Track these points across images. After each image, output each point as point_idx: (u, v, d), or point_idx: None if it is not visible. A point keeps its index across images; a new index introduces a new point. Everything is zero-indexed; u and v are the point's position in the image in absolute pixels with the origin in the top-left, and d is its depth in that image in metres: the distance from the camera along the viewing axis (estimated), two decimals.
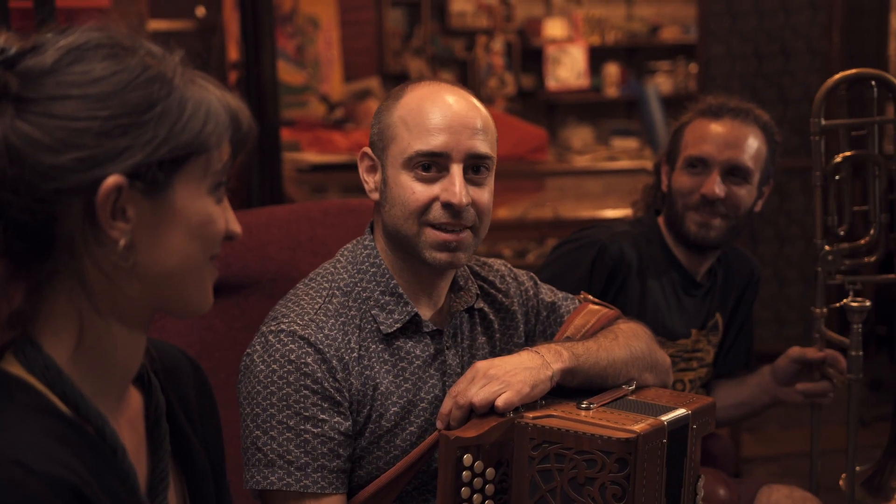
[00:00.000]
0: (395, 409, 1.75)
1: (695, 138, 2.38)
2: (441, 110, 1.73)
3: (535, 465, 1.61)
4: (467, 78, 8.60)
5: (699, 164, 2.36)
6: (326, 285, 1.79)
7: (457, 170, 1.71)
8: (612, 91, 9.02)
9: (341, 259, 1.83)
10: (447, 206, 1.71)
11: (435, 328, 1.80)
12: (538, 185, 5.96)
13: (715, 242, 2.38)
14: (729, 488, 2.38)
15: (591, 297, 2.02)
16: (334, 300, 1.76)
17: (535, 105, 8.92)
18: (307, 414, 1.66)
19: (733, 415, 2.61)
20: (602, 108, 9.03)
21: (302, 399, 1.66)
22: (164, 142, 1.13)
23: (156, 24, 5.58)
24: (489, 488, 1.64)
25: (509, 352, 1.87)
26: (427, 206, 1.72)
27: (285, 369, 1.67)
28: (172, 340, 1.95)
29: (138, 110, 1.12)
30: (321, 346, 1.69)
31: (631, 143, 8.24)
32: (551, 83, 8.89)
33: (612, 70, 9.01)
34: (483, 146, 1.74)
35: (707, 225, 2.35)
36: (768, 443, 4.45)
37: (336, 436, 1.68)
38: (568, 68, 8.88)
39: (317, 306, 1.74)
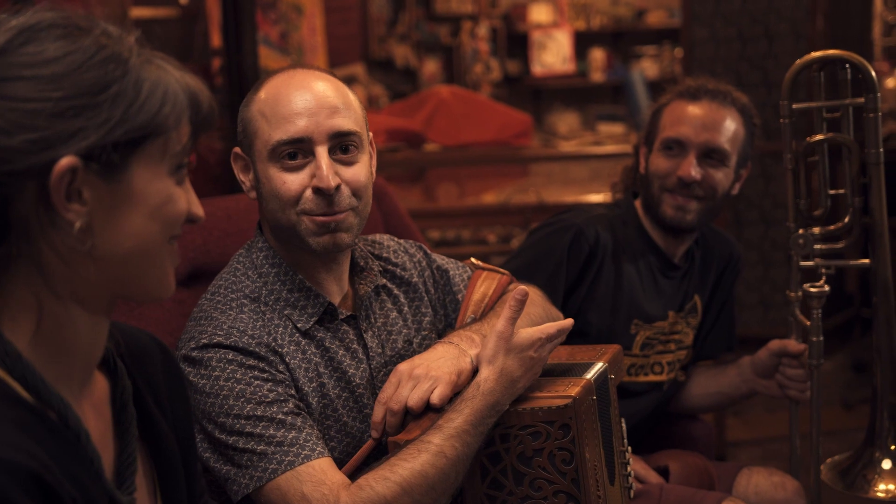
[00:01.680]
0: (337, 400, 1.74)
1: (672, 120, 2.37)
2: (296, 95, 1.70)
3: (482, 451, 1.64)
4: (452, 64, 8.59)
5: (676, 146, 2.36)
6: (233, 296, 1.75)
7: (321, 151, 1.69)
8: (597, 76, 9.02)
9: (239, 267, 1.80)
10: (318, 191, 1.69)
11: (349, 314, 1.79)
12: (523, 170, 5.96)
13: (691, 225, 2.38)
14: (707, 471, 2.39)
15: (478, 261, 2.03)
16: (245, 309, 1.73)
17: (521, 90, 8.91)
18: (270, 399, 1.63)
19: (713, 403, 2.62)
20: (588, 93, 9.03)
21: (257, 388, 1.63)
22: (119, 123, 1.11)
23: (138, 12, 5.55)
24: None
25: (420, 324, 1.89)
26: (299, 196, 1.70)
27: (228, 370, 1.65)
28: (150, 327, 1.95)
29: (92, 91, 1.11)
30: (251, 349, 1.67)
31: (617, 128, 8.25)
32: (537, 68, 8.89)
33: (597, 55, 9.01)
34: (346, 123, 1.71)
35: (683, 208, 2.35)
36: (753, 426, 4.46)
37: (302, 409, 1.67)
38: (553, 53, 8.88)
39: (231, 317, 1.71)
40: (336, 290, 1.81)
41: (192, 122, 1.19)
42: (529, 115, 6.97)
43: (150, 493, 1.32)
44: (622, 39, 9.20)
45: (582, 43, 8.99)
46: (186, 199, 1.21)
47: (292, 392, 1.68)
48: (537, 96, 9.11)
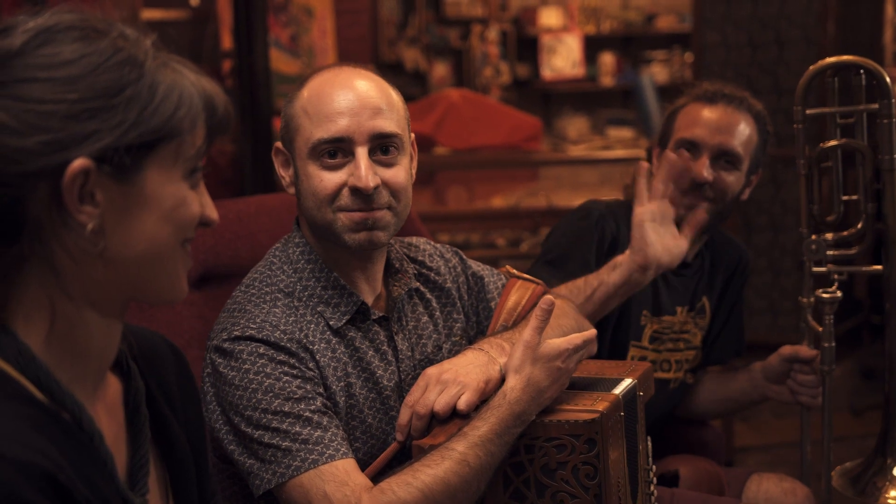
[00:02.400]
0: (361, 399, 1.74)
1: (687, 122, 2.38)
2: (339, 94, 1.70)
3: (506, 461, 1.63)
4: (462, 67, 8.60)
5: (690, 147, 2.36)
6: (267, 290, 1.75)
7: (361, 152, 1.68)
8: (607, 80, 9.02)
9: (274, 261, 1.80)
10: (355, 190, 1.68)
11: (381, 315, 1.79)
12: (532, 174, 5.96)
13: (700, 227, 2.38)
14: (718, 476, 2.38)
15: (513, 269, 2.03)
16: (279, 303, 1.73)
17: (531, 94, 8.92)
18: (298, 395, 1.63)
19: (722, 408, 2.62)
20: (597, 98, 9.03)
21: (286, 384, 1.63)
22: (133, 126, 1.11)
23: (149, 14, 5.57)
24: None
25: (451, 329, 1.89)
26: (336, 193, 1.70)
27: (258, 364, 1.64)
28: (162, 330, 1.95)
29: (107, 94, 1.11)
30: (283, 343, 1.66)
31: (626, 133, 8.25)
32: (546, 72, 8.89)
33: (607, 59, 9.01)
34: (388, 125, 1.70)
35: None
36: (761, 432, 4.45)
37: (329, 408, 1.66)
38: (563, 57, 8.88)
39: (264, 311, 1.71)
40: (369, 289, 1.80)
41: (207, 125, 1.19)
42: (539, 119, 6.97)
43: (163, 495, 1.32)
44: (632, 44, 9.20)
45: (592, 47, 8.99)
46: (200, 203, 1.21)
47: (320, 390, 1.67)
48: (547, 100, 9.11)
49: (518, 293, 1.94)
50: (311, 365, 1.68)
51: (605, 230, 2.38)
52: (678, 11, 8.96)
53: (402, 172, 1.73)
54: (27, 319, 1.15)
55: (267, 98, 3.75)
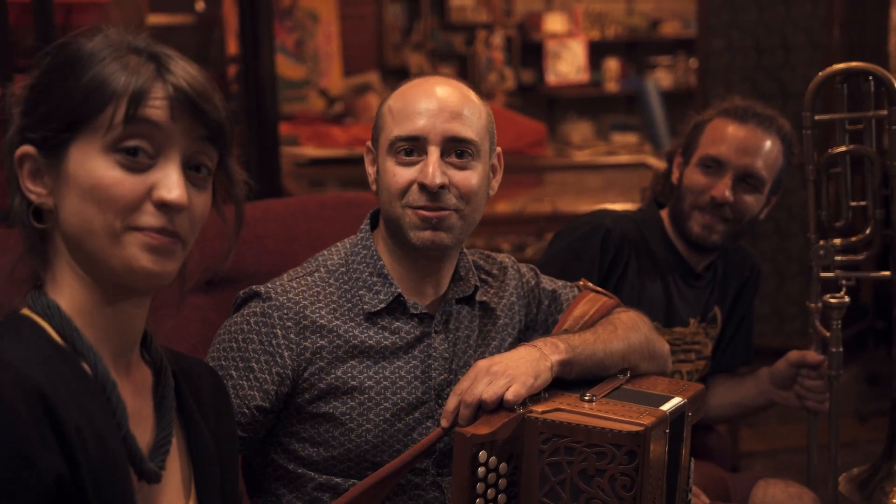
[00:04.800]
0: (371, 382, 1.78)
1: (714, 137, 2.36)
2: (423, 98, 1.78)
3: (545, 459, 1.64)
4: (467, 72, 8.59)
5: (714, 165, 2.34)
6: (314, 264, 1.86)
7: (433, 151, 1.75)
8: (612, 86, 9.01)
9: (339, 245, 1.90)
10: (422, 187, 1.74)
11: (424, 311, 1.83)
12: (537, 179, 5.95)
13: (715, 244, 2.38)
14: (724, 482, 2.38)
15: (590, 284, 2.03)
16: (315, 274, 1.83)
17: (535, 100, 8.90)
18: (244, 360, 1.75)
19: (729, 414, 2.61)
20: (602, 103, 9.02)
21: (245, 343, 1.76)
22: (51, 115, 1.26)
23: (155, 19, 5.57)
24: (502, 482, 1.65)
25: (504, 343, 1.91)
26: (407, 188, 1.76)
27: (242, 319, 1.78)
28: (167, 334, 1.95)
29: (42, 90, 1.27)
30: (278, 303, 1.76)
31: (631, 138, 8.23)
32: (551, 78, 8.88)
33: (612, 65, 9.00)
34: (464, 130, 1.76)
35: (711, 227, 2.35)
36: (767, 437, 4.45)
37: (257, 394, 1.75)
38: (568, 63, 8.87)
39: (293, 275, 1.83)
40: (431, 292, 1.86)
41: (129, 100, 1.25)
42: (544, 125, 6.96)
43: (185, 487, 1.39)
44: (637, 49, 9.19)
45: (596, 53, 8.98)
46: (135, 183, 1.26)
47: (276, 368, 1.76)
48: (551, 106, 9.11)
49: (588, 304, 1.97)
50: (291, 336, 1.76)
51: (607, 249, 2.36)
52: (683, 17, 8.95)
53: (474, 177, 1.78)
54: (55, 284, 1.30)
55: (273, 103, 3.74)
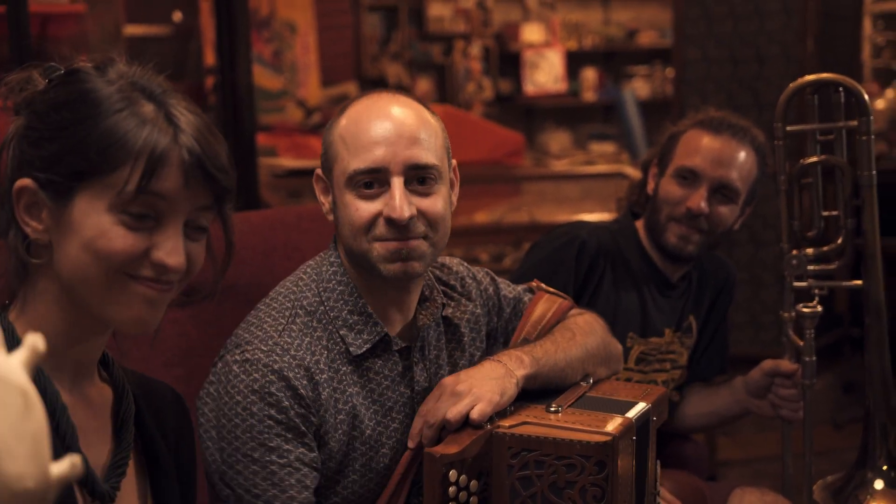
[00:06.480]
0: (368, 431, 1.72)
1: (689, 149, 2.37)
2: (376, 124, 1.68)
3: (515, 473, 1.63)
4: (445, 83, 8.62)
5: (689, 176, 2.36)
6: (289, 305, 1.73)
7: (397, 183, 1.66)
8: (589, 95, 9.06)
9: (304, 277, 1.78)
10: (390, 220, 1.66)
11: (404, 345, 1.77)
12: (515, 189, 5.97)
13: (691, 255, 2.40)
14: (700, 491, 2.39)
15: (543, 285, 2.02)
16: (298, 320, 1.71)
17: (513, 110, 8.94)
18: (272, 445, 1.60)
19: (705, 423, 2.63)
20: (580, 113, 9.07)
21: (266, 430, 1.60)
22: (63, 158, 1.25)
23: (132, 29, 5.55)
24: (473, 500, 1.64)
25: (472, 358, 1.87)
26: (372, 223, 1.68)
27: (249, 400, 1.61)
28: (143, 348, 1.95)
29: (54, 127, 1.26)
30: (286, 372, 1.63)
31: (608, 148, 8.28)
32: (529, 88, 8.92)
33: (589, 74, 9.05)
34: (425, 155, 1.68)
35: (686, 238, 2.37)
36: (743, 446, 4.47)
37: (302, 467, 1.62)
38: (545, 73, 8.91)
39: (280, 328, 1.69)
40: (400, 318, 1.78)
41: (147, 169, 1.24)
42: (521, 135, 6.99)
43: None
44: (614, 59, 9.25)
45: (574, 62, 9.03)
46: (140, 241, 1.26)
47: (305, 439, 1.64)
48: (529, 115, 9.14)
49: (544, 306, 1.95)
50: (306, 402, 1.64)
51: (583, 260, 2.37)
52: (659, 27, 9.01)
53: (439, 202, 1.71)
54: (24, 307, 1.31)
55: (250, 114, 3.74)
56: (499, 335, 1.94)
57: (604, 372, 1.92)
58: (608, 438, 1.60)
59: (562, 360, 1.81)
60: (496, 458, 1.65)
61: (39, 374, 1.25)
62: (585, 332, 1.90)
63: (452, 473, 1.60)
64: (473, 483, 1.63)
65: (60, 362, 1.30)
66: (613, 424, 1.65)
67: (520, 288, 2.00)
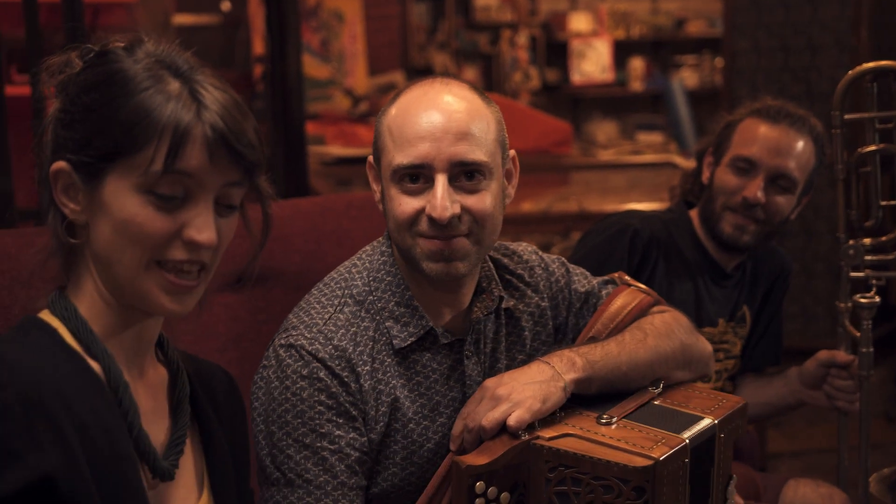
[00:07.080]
0: (411, 425, 1.69)
1: (746, 138, 2.35)
2: (424, 117, 1.62)
3: (553, 487, 1.55)
4: (492, 72, 8.60)
5: (746, 165, 2.33)
6: (339, 292, 1.71)
7: (440, 180, 1.60)
8: (637, 85, 8.99)
9: (357, 263, 1.76)
10: (431, 219, 1.61)
11: (454, 338, 1.72)
12: (563, 178, 5.94)
13: (746, 246, 2.37)
14: (754, 482, 2.37)
15: (627, 277, 1.96)
16: (346, 309, 1.69)
17: (560, 99, 8.90)
18: (323, 430, 1.60)
19: (758, 413, 2.60)
20: (627, 103, 9.00)
21: (317, 416, 1.60)
22: (93, 139, 1.26)
23: (181, 19, 5.60)
24: None
25: (535, 353, 1.80)
26: (415, 218, 1.63)
27: (298, 385, 1.60)
28: (196, 332, 1.97)
29: (85, 109, 1.27)
30: (329, 362, 1.62)
31: (656, 138, 8.21)
32: (576, 77, 8.87)
33: (637, 64, 8.98)
34: (471, 152, 1.61)
35: (742, 228, 2.34)
36: (794, 438, 4.43)
37: (353, 452, 1.62)
38: (593, 62, 8.86)
39: (326, 316, 1.67)
40: (449, 311, 1.73)
41: (172, 148, 1.25)
42: (569, 124, 6.95)
43: (198, 482, 1.43)
44: (662, 49, 9.17)
45: (621, 52, 8.97)
46: (169, 222, 1.27)
47: (355, 424, 1.63)
48: (576, 105, 9.10)
49: (623, 300, 1.86)
50: (352, 389, 1.64)
51: (636, 250, 2.35)
52: (708, 16, 8.92)
53: (487, 199, 1.64)
54: (77, 289, 1.33)
55: (299, 103, 3.75)
56: (568, 330, 1.86)
57: (683, 376, 1.82)
58: (649, 463, 1.48)
59: (624, 362, 1.71)
60: (534, 470, 1.56)
61: (103, 352, 1.28)
62: (660, 333, 1.79)
63: (480, 485, 1.52)
64: (504, 495, 1.56)
65: (118, 343, 1.33)
66: (661, 445, 1.53)
67: (597, 281, 1.91)
